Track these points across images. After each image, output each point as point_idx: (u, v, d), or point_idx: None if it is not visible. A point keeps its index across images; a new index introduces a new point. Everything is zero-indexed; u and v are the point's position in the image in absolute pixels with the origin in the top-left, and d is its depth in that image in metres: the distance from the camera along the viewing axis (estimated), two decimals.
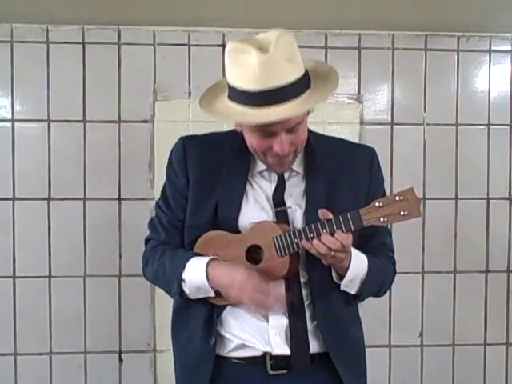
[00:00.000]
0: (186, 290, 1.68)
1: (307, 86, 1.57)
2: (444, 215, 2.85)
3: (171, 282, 1.70)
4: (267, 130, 1.55)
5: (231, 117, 1.59)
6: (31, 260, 2.71)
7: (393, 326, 2.84)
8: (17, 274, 2.71)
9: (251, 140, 1.62)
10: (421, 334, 2.86)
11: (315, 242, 1.56)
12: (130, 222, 2.68)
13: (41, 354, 2.73)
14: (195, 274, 1.65)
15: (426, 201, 2.82)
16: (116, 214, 2.72)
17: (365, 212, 1.55)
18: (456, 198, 2.85)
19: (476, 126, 2.86)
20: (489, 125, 2.85)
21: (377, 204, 1.54)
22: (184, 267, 1.66)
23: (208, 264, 1.65)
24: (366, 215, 1.55)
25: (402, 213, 1.54)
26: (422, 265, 2.85)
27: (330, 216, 1.57)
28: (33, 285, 2.71)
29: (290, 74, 1.52)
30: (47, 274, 2.71)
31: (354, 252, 1.64)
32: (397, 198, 1.53)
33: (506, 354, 2.91)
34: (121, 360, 2.76)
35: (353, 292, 1.69)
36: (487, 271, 2.88)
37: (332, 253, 1.56)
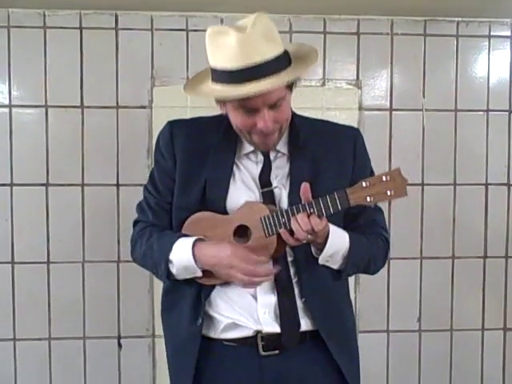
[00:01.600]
0: (174, 271, 1.69)
1: (287, 65, 1.60)
2: (442, 201, 2.85)
3: (158, 263, 1.71)
4: (249, 106, 1.58)
5: (213, 94, 1.63)
6: (29, 246, 2.72)
7: (391, 312, 2.85)
8: (15, 260, 2.71)
9: (235, 119, 1.65)
10: (419, 320, 2.88)
11: (295, 226, 1.58)
12: (128, 208, 2.67)
13: (40, 340, 2.74)
14: (182, 254, 1.66)
15: (425, 186, 2.82)
16: (114, 199, 2.72)
17: (352, 191, 1.57)
18: (455, 184, 2.85)
19: (475, 111, 2.85)
20: (488, 110, 2.85)
21: (364, 184, 1.56)
22: (171, 248, 1.68)
23: (194, 245, 1.66)
24: (352, 194, 1.57)
25: (388, 192, 1.56)
26: (420, 250, 2.85)
27: (309, 191, 1.58)
28: (31, 270, 2.71)
29: (269, 51, 1.56)
30: (46, 259, 2.72)
31: (333, 228, 1.66)
32: (384, 178, 1.56)
33: (504, 338, 2.93)
34: (120, 345, 2.77)
35: (335, 267, 1.71)
36: (485, 257, 2.89)
37: (309, 236, 1.59)
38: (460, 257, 2.87)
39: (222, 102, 1.67)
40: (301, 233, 1.58)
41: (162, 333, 2.68)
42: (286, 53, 1.61)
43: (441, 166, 2.84)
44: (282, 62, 1.58)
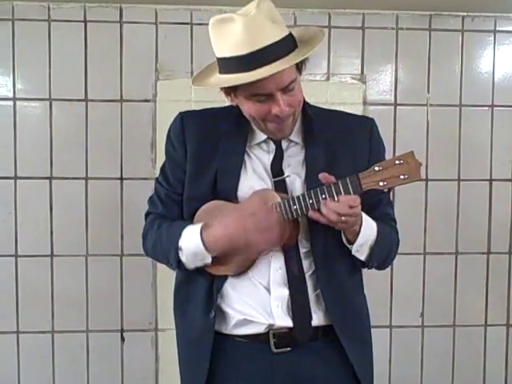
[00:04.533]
0: (183, 259, 1.68)
1: (294, 47, 1.59)
2: (446, 196, 2.84)
3: (168, 251, 1.69)
4: (262, 92, 1.56)
5: (224, 83, 1.60)
6: (33, 239, 2.72)
7: (394, 307, 2.85)
8: (19, 253, 2.72)
9: (249, 108, 1.63)
10: (422, 315, 2.88)
11: (324, 210, 1.55)
12: (131, 202, 2.69)
13: (43, 333, 2.74)
14: (191, 240, 1.65)
15: (429, 182, 2.81)
16: (118, 193, 2.72)
17: (364, 176, 1.54)
18: (459, 180, 2.84)
19: (480, 107, 2.84)
20: (492, 106, 2.84)
21: (376, 168, 1.53)
22: (180, 235, 1.67)
23: (202, 230, 1.65)
24: (365, 179, 1.54)
25: (401, 176, 1.52)
26: (423, 246, 2.85)
27: (332, 179, 1.56)
28: (35, 264, 2.72)
29: (276, 33, 1.54)
30: (49, 253, 2.72)
31: (364, 217, 1.64)
32: (397, 162, 1.53)
33: (507, 335, 2.93)
34: (123, 339, 2.77)
35: (362, 258, 1.68)
36: (489, 253, 2.88)
37: (343, 218, 1.55)
38: (463, 252, 2.87)
39: (232, 93, 1.65)
40: (333, 215, 1.55)
41: (164, 327, 2.73)
42: (291, 35, 1.59)
43: (445, 161, 2.83)
44: (289, 43, 1.57)
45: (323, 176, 1.57)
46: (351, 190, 1.55)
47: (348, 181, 1.55)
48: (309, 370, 1.70)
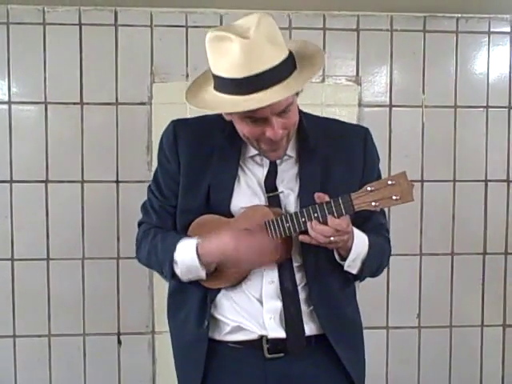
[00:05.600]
0: (178, 271, 1.67)
1: (293, 68, 1.54)
2: (442, 197, 2.85)
3: (163, 263, 1.69)
4: (257, 116, 1.53)
5: (220, 107, 1.57)
6: (29, 242, 2.71)
7: (390, 308, 2.85)
8: (15, 257, 2.71)
9: (242, 128, 1.60)
10: (418, 316, 2.88)
11: (312, 234, 1.55)
12: (127, 205, 2.68)
13: (40, 336, 2.74)
14: (185, 254, 1.64)
15: (424, 183, 2.82)
16: (114, 196, 2.72)
17: (356, 196, 1.53)
18: (454, 181, 2.85)
19: (475, 108, 2.85)
20: (487, 107, 2.85)
21: (368, 188, 1.52)
22: (175, 248, 1.66)
23: (197, 245, 1.64)
24: (357, 199, 1.53)
25: (394, 197, 1.52)
26: (419, 247, 2.85)
27: (327, 198, 1.56)
28: (31, 267, 2.71)
29: (275, 56, 1.49)
30: (45, 256, 2.71)
31: (355, 232, 1.64)
32: (389, 182, 1.51)
33: (503, 335, 2.93)
34: (119, 342, 2.77)
35: (354, 272, 1.68)
36: (485, 253, 2.89)
37: (331, 239, 1.55)
38: (459, 253, 2.87)
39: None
40: (321, 238, 1.55)
41: (161, 329, 2.73)
42: (290, 54, 1.54)
43: (440, 162, 2.84)
44: (288, 66, 1.52)
45: (318, 196, 1.56)
46: (343, 210, 1.55)
47: (340, 201, 1.54)
48: (302, 375, 1.70)
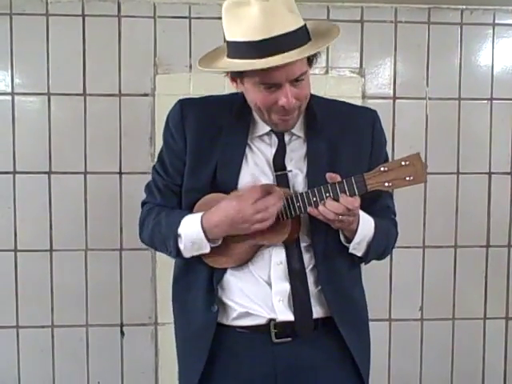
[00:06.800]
0: (181, 247, 1.67)
1: (308, 39, 1.56)
2: (445, 190, 2.84)
3: (167, 238, 1.68)
4: (272, 81, 1.53)
5: (235, 67, 1.56)
6: (32, 234, 2.72)
7: (393, 300, 2.85)
8: (18, 248, 2.72)
9: (255, 97, 1.60)
10: (421, 309, 2.88)
11: (321, 208, 1.56)
12: (130, 196, 2.68)
13: (43, 327, 2.75)
14: (190, 228, 1.64)
15: (428, 175, 2.80)
16: (117, 187, 2.72)
17: (369, 176, 1.54)
18: (458, 173, 2.84)
19: (479, 100, 2.84)
20: (491, 99, 2.84)
21: (382, 168, 1.53)
22: (179, 223, 1.65)
23: (202, 217, 1.63)
24: (370, 179, 1.54)
25: (407, 178, 1.52)
26: (422, 239, 2.85)
27: (339, 179, 1.55)
28: (34, 258, 2.72)
29: (292, 22, 1.51)
30: (48, 247, 2.72)
31: (361, 214, 1.64)
32: (403, 163, 1.52)
33: (506, 328, 2.93)
34: (122, 333, 2.78)
35: (359, 254, 1.69)
36: (488, 246, 2.88)
37: (340, 217, 1.55)
38: (462, 246, 2.87)
39: (239, 79, 1.61)
40: (330, 214, 1.55)
41: (164, 321, 2.73)
42: (306, 27, 1.56)
43: (444, 154, 2.83)
44: (304, 35, 1.54)
45: (329, 176, 1.56)
46: (356, 190, 1.55)
47: (353, 181, 1.55)
48: (309, 359, 1.70)
